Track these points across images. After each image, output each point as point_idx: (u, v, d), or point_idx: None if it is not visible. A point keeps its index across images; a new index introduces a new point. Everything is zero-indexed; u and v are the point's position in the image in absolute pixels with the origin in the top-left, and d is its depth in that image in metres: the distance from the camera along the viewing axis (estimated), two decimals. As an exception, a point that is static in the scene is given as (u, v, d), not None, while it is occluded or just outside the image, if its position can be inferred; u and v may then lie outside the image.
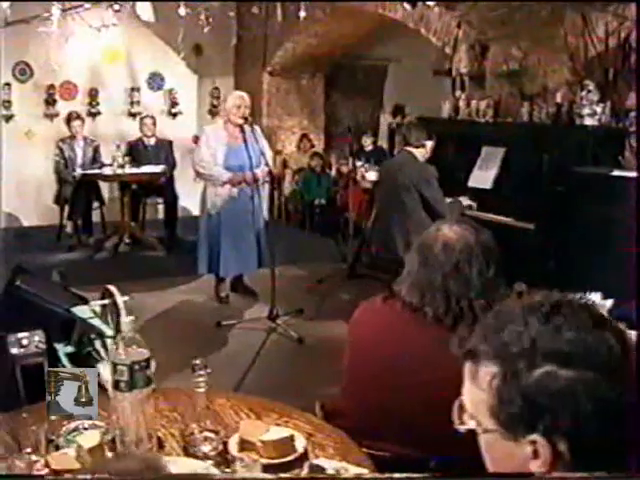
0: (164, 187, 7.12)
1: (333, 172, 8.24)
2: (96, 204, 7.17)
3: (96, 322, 3.71)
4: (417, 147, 4.55)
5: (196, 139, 8.99)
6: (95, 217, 7.26)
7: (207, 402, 1.90)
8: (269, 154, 5.30)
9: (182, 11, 6.73)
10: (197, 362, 1.88)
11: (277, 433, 1.83)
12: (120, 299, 3.64)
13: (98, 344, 4.02)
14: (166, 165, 7.19)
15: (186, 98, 8.91)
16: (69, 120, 7.35)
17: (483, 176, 4.86)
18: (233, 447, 1.82)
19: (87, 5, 6.92)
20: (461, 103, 5.37)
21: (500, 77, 5.15)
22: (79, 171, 6.82)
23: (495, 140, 4.87)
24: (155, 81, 8.70)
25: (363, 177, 6.43)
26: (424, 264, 1.99)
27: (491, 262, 2.00)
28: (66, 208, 7.05)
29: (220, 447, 1.85)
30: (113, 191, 7.69)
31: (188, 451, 1.86)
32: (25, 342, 3.27)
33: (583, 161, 4.33)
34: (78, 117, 7.38)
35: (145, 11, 6.50)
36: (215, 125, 5.25)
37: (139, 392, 1.77)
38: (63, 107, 8.06)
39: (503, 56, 5.10)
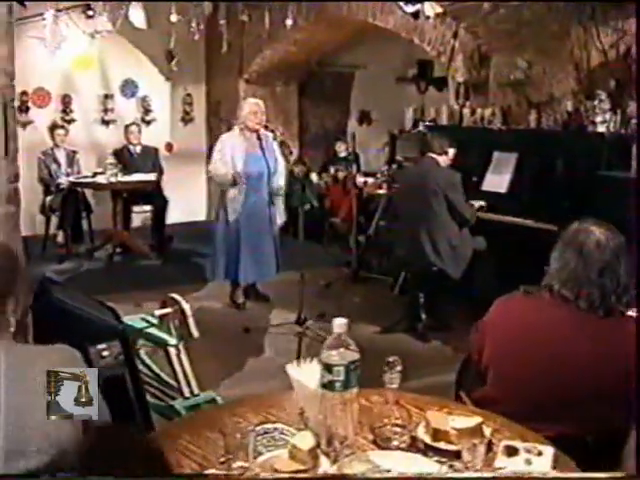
0: (152, 194, 7.06)
1: (314, 178, 8.35)
2: (83, 213, 7.05)
3: (153, 331, 3.72)
4: (440, 154, 4.73)
5: (169, 146, 8.98)
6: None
7: (397, 397, 1.99)
8: (282, 163, 5.40)
9: (174, 18, 6.73)
10: (391, 360, 1.97)
11: (465, 421, 1.94)
12: (187, 306, 3.68)
13: (143, 353, 4.03)
14: (153, 172, 7.16)
15: (159, 105, 8.85)
16: (53, 129, 7.19)
17: (497, 180, 5.09)
18: (425, 437, 1.92)
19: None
20: (465, 110, 5.59)
21: (505, 86, 5.40)
22: (71, 179, 6.69)
23: (506, 146, 5.10)
24: (128, 88, 8.60)
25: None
26: (580, 261, 2.17)
27: (627, 262, 2.21)
28: (52, 218, 6.90)
29: (408, 439, 1.95)
30: (97, 199, 7.57)
31: (379, 445, 1.94)
32: (105, 354, 3.25)
33: (598, 166, 4.60)
34: (62, 126, 7.25)
35: (138, 18, 6.45)
36: (231, 133, 5.30)
37: (351, 391, 1.84)
38: (36, 115, 7.88)
39: (508, 66, 5.35)
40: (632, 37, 4.86)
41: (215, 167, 5.16)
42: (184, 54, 8.68)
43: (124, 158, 7.22)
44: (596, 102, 4.67)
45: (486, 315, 2.46)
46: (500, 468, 1.77)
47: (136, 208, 7.21)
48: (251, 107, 5.21)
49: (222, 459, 1.84)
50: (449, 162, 4.78)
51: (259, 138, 5.21)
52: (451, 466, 1.80)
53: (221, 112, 9.09)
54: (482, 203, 5.07)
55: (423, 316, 4.86)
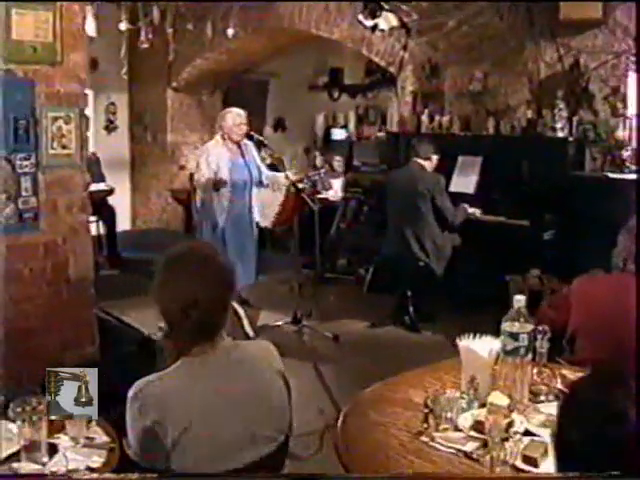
0: (101, 204, 6.95)
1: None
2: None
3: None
4: (425, 159, 5.12)
5: (94, 156, 8.78)
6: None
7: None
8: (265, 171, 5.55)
9: (123, 26, 6.69)
10: (541, 328, 2.28)
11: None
12: (240, 308, 3.80)
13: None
14: (98, 181, 7.05)
15: (82, 113, 8.64)
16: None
17: (464, 182, 5.53)
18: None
19: None
20: (424, 118, 6.02)
21: (462, 96, 5.87)
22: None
23: (470, 152, 5.57)
24: (51, 96, 8.33)
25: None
26: None
27: None
28: None
29: (553, 394, 2.27)
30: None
31: (532, 400, 2.22)
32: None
33: (561, 167, 5.16)
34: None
35: (89, 26, 6.34)
36: (215, 143, 5.38)
37: (529, 357, 2.15)
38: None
39: (466, 77, 5.83)
40: (577, 52, 5.47)
41: (202, 174, 5.23)
42: (107, 63, 8.56)
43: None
44: (556, 110, 5.23)
45: (568, 292, 2.86)
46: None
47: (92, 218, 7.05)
48: (234, 119, 5.31)
49: (425, 425, 2.08)
50: (433, 167, 5.18)
51: (240, 147, 5.36)
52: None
53: (145, 120, 9.04)
54: (475, 209, 5.38)
55: (411, 309, 5.21)
